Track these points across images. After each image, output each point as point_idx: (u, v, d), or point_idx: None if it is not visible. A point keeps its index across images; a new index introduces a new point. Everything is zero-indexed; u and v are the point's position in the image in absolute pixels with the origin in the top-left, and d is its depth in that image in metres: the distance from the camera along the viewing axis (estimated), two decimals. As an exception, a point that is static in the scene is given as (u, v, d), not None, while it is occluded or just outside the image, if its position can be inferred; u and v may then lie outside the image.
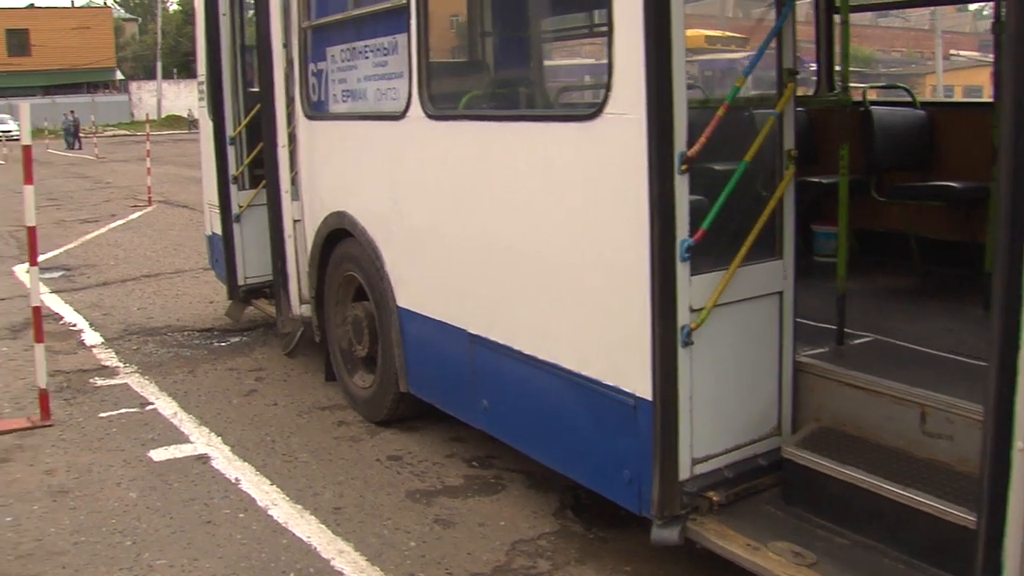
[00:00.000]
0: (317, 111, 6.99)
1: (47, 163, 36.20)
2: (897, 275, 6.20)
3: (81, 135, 49.25)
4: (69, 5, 75.82)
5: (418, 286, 5.89)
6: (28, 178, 6.77)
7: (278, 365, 8.07)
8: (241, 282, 8.53)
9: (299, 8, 6.92)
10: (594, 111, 4.25)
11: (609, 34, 4.12)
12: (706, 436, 4.24)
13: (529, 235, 4.77)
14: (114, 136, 57.53)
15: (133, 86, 73.47)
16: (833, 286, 4.75)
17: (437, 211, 5.59)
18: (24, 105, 6.82)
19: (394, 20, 5.84)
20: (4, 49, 65.71)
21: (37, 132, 53.94)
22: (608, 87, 4.15)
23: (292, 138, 7.26)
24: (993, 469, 2.97)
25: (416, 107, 5.60)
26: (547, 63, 6.40)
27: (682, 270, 3.98)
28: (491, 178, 5.05)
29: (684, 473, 4.18)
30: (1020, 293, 2.85)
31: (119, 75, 73.79)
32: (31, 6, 73.65)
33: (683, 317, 4.02)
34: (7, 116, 55.45)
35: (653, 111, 3.90)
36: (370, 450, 6.23)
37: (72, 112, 50.57)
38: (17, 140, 51.72)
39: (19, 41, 66.40)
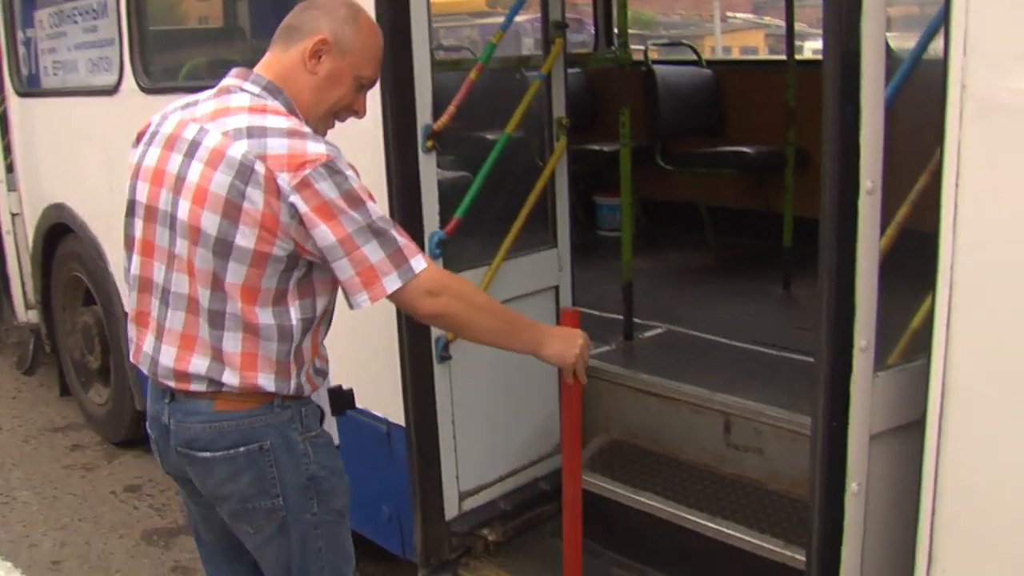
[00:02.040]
0: (30, 87, 5.94)
1: None
2: (688, 250, 5.63)
3: None
4: None
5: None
6: None
7: (8, 380, 6.94)
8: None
9: (-3, -37, 5.86)
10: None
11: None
12: (475, 464, 3.54)
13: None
14: None
15: None
16: (619, 265, 4.12)
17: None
18: None
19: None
20: None
21: None
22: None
23: (3, 119, 6.19)
24: (824, 515, 2.34)
25: (129, 79, 4.68)
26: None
27: (433, 270, 3.25)
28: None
29: (451, 511, 3.48)
30: (854, 287, 2.22)
31: None
32: None
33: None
34: None
35: (387, 76, 3.13)
36: (105, 480, 5.28)
37: None
38: None
39: None
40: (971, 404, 2.06)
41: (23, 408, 6.41)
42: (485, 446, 3.56)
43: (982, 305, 2.02)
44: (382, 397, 3.43)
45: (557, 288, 3.72)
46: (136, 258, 2.42)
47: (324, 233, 2.20)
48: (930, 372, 2.10)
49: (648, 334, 4.18)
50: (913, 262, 2.38)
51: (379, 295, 2.25)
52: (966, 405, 2.07)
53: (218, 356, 2.31)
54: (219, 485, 2.40)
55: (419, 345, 3.25)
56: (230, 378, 2.31)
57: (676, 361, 3.88)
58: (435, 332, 3.28)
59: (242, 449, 2.35)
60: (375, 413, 3.49)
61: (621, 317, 4.12)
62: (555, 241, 3.69)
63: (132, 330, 2.48)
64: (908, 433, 2.35)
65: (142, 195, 2.39)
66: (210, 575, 2.81)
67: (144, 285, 2.41)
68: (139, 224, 2.40)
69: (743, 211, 5.61)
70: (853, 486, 2.32)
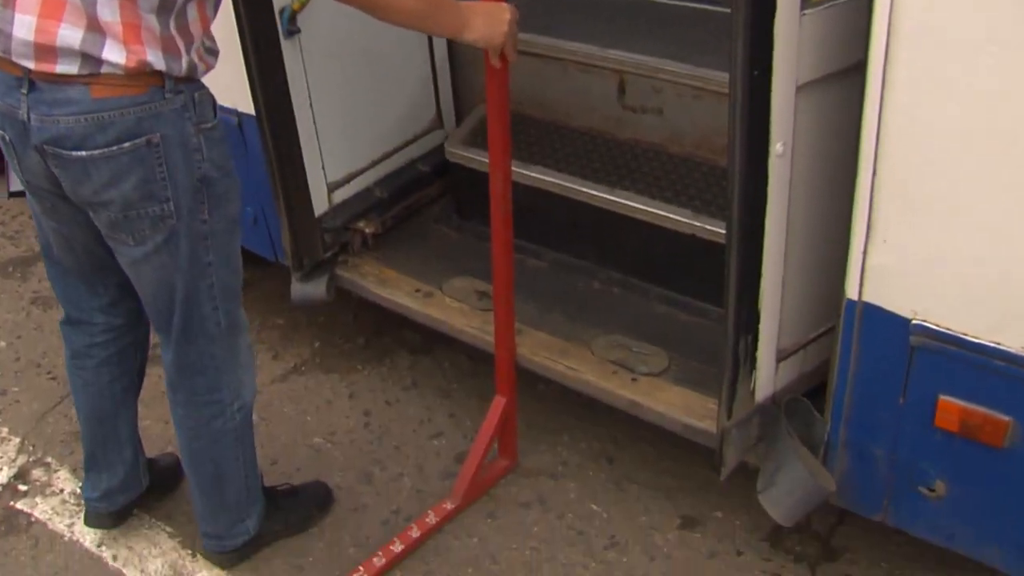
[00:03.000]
0: None
1: None
2: None
3: None
4: None
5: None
6: None
7: None
8: None
9: None
10: None
11: None
12: (342, 150, 3.12)
13: None
14: None
15: None
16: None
17: None
18: None
19: None
20: None
21: None
22: None
23: None
24: (745, 180, 2.01)
25: None
26: None
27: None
28: None
29: (320, 205, 3.09)
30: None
31: None
32: None
33: (279, -4, 2.80)
34: None
35: None
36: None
37: None
38: None
39: None
40: (923, 44, 1.71)
41: None
42: (351, 128, 3.13)
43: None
44: (228, 84, 2.94)
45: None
46: None
47: None
48: (873, 6, 1.73)
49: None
50: None
51: None
52: (916, 45, 1.72)
53: (95, 25, 1.91)
54: (97, 190, 2.05)
55: (261, 19, 2.75)
56: (113, 54, 1.92)
57: (557, 17, 3.42)
58: (278, 1, 2.78)
59: (127, 145, 2.00)
60: (222, 104, 3.01)
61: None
62: None
63: None
64: (838, 84, 2.01)
65: None
66: (62, 295, 2.48)
67: None
68: None
69: None
70: (778, 147, 1.99)
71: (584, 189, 2.93)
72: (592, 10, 3.40)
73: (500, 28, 2.23)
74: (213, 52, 2.17)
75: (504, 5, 2.24)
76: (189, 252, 2.16)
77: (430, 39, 3.32)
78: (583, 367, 2.65)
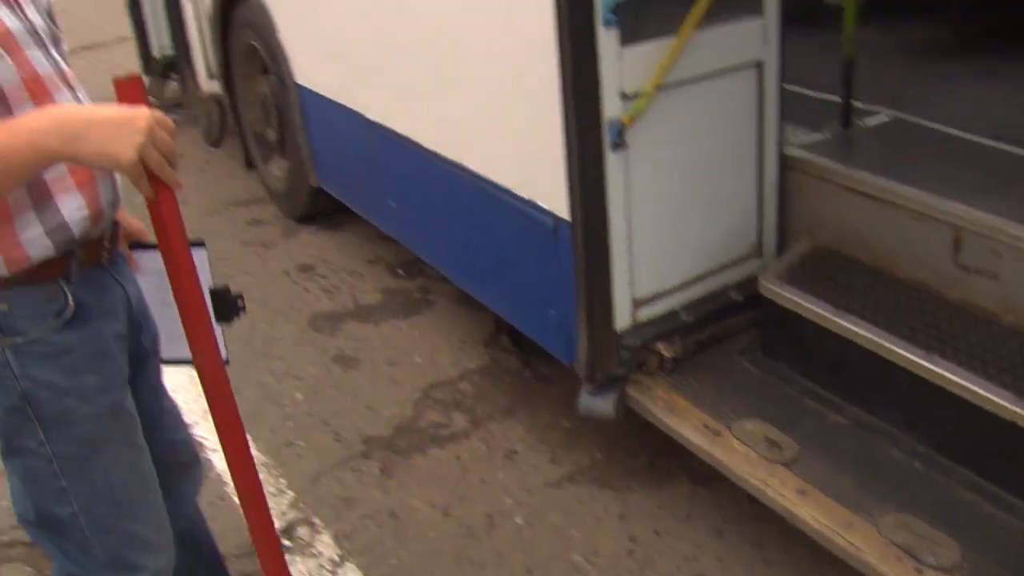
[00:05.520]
0: None
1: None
2: (924, 23, 4.73)
3: None
4: None
5: (313, 58, 4.58)
6: None
7: (198, 151, 6.55)
8: (156, 54, 6.96)
9: None
10: None
11: None
12: (654, 267, 3.06)
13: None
14: None
15: None
16: (838, 39, 3.41)
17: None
18: None
19: None
20: None
21: None
22: None
23: None
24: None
25: None
26: None
27: (607, 39, 2.69)
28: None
29: (623, 321, 3.03)
30: None
31: None
32: None
33: (611, 107, 2.75)
34: None
35: None
36: (280, 257, 5.11)
37: None
38: None
39: None
40: None
41: (209, 181, 6.25)
42: (666, 246, 3.05)
43: None
44: (549, 188, 2.96)
45: (762, 64, 3.09)
46: None
47: None
48: None
49: (869, 121, 3.52)
50: None
51: None
52: None
53: None
54: None
55: (587, 130, 2.75)
56: None
57: (900, 156, 3.24)
58: (607, 114, 2.76)
59: None
60: (541, 205, 3.04)
61: (838, 99, 3.47)
62: (761, 8, 3.05)
63: None
64: None
65: None
66: None
67: None
68: None
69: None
70: None
71: (897, 350, 2.69)
72: (935, 152, 3.21)
73: (129, 139, 1.57)
74: (73, 225, 1.80)
75: (141, 112, 1.61)
76: (29, 477, 1.86)
77: (760, 160, 3.20)
78: (866, 546, 2.43)
